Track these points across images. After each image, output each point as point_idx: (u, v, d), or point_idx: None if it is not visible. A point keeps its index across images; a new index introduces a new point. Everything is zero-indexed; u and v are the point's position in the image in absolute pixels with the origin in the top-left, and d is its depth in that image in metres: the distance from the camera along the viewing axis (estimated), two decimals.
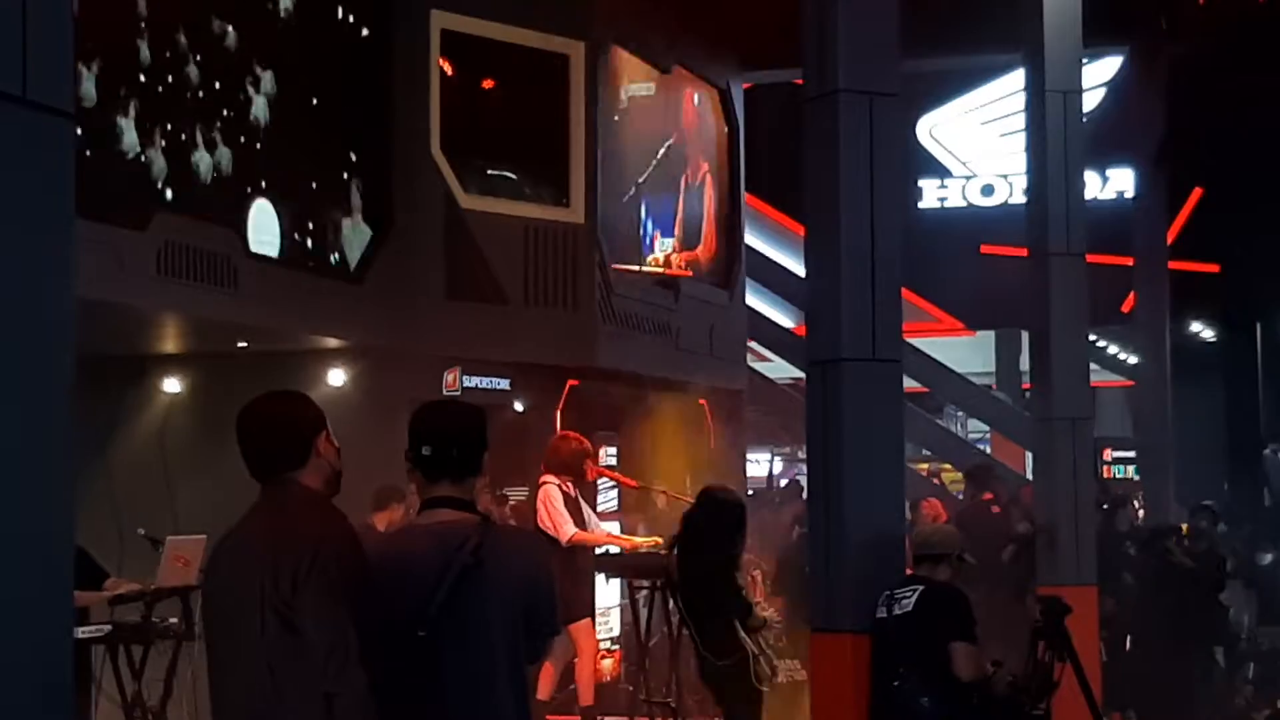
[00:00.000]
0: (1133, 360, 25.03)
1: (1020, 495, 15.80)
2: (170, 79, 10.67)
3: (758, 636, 8.83)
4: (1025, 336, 17.06)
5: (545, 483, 11.12)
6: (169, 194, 10.61)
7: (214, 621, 4.33)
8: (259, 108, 11.61)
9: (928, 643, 7.98)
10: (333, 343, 12.85)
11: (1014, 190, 23.31)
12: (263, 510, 4.34)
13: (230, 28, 11.30)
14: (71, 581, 3.42)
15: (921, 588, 8.07)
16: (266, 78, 11.68)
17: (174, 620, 9.94)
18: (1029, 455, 16.62)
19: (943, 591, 8.19)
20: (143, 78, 10.40)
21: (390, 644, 4.29)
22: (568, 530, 10.81)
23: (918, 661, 7.93)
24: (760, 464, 23.34)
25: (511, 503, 13.25)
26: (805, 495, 10.98)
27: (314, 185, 12.29)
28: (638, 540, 12.15)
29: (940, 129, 24.52)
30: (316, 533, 4.18)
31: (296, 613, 4.08)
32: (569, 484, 11.20)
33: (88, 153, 9.66)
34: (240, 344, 12.53)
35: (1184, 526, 14.99)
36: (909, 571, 8.46)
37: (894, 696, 7.93)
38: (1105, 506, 14.07)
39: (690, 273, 16.49)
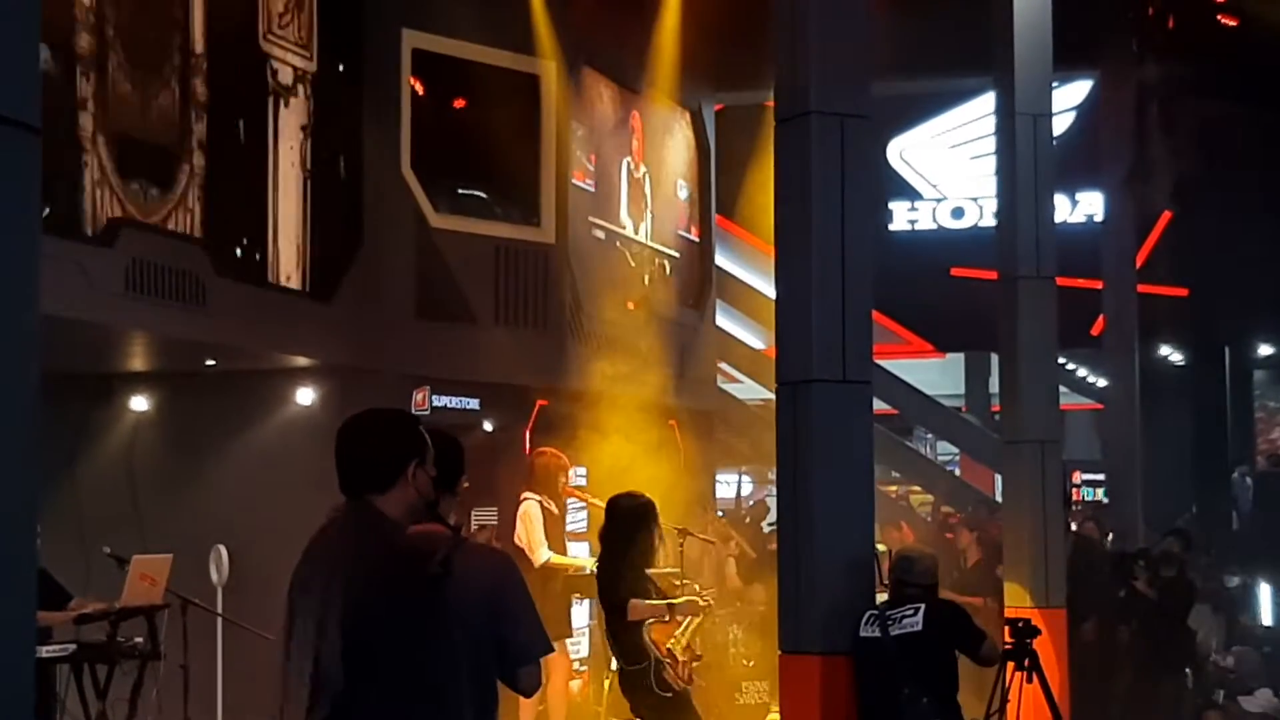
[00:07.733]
0: (1102, 383, 25.10)
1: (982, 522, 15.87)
2: (138, 93, 10.64)
3: (676, 639, 8.75)
4: (995, 359, 17.10)
5: (526, 498, 11.01)
6: (136, 211, 10.55)
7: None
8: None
9: (941, 660, 7.94)
10: (302, 361, 12.79)
11: (984, 213, 23.39)
12: (337, 529, 4.37)
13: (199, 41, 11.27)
14: (35, 600, 3.38)
15: (923, 606, 8.01)
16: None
17: (139, 639, 9.89)
18: (998, 478, 16.63)
19: (950, 607, 8.24)
20: (110, 92, 10.36)
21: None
22: (542, 554, 10.71)
23: (927, 680, 7.83)
24: (729, 485, 23.30)
25: (486, 526, 13.15)
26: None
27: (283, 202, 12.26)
28: None
29: (911, 152, 24.58)
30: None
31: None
32: (550, 501, 11.05)
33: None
34: (208, 362, 12.47)
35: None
36: (882, 593, 8.41)
37: (902, 716, 7.84)
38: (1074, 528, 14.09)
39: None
